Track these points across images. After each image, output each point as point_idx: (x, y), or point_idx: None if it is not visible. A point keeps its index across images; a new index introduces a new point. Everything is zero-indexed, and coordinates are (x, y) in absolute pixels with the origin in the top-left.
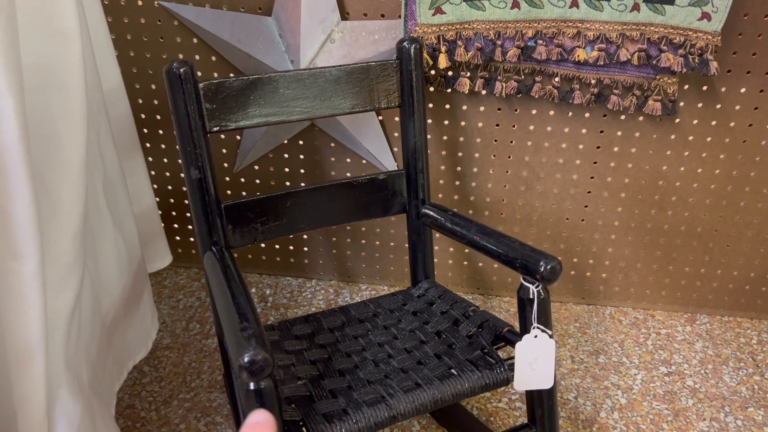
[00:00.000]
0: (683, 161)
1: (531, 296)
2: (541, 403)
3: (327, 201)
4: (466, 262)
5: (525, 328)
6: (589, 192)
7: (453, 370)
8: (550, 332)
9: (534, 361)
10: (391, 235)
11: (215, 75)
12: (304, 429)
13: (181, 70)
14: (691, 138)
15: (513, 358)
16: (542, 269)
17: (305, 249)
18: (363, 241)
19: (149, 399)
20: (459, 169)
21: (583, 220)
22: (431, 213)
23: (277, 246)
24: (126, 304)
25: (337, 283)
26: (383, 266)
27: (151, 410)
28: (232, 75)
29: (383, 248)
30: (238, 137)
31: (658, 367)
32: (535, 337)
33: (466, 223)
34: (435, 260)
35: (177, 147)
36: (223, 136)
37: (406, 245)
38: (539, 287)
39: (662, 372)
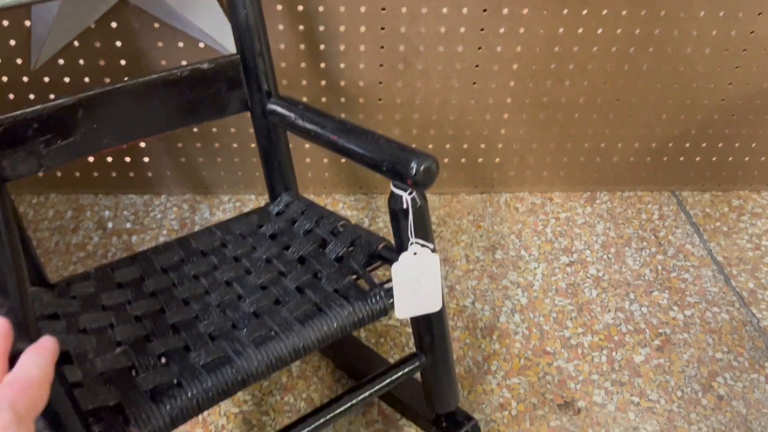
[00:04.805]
0: (581, 21)
1: (404, 206)
2: (429, 328)
3: (136, 106)
4: (343, 159)
5: (401, 245)
6: (476, 66)
7: (318, 307)
8: (431, 246)
9: (416, 283)
10: (251, 134)
11: None
12: (121, 416)
13: None
14: None
15: (391, 280)
16: (414, 172)
17: (146, 159)
18: (216, 145)
19: None
20: (323, 47)
21: (472, 100)
22: (279, 109)
23: (109, 159)
24: None
25: (192, 197)
26: (246, 172)
27: None
28: None
29: (243, 151)
30: (28, 23)
31: (559, 257)
32: (415, 253)
33: (321, 119)
34: (307, 160)
35: None
36: (6, 22)
37: None
38: (413, 194)
39: (563, 262)
